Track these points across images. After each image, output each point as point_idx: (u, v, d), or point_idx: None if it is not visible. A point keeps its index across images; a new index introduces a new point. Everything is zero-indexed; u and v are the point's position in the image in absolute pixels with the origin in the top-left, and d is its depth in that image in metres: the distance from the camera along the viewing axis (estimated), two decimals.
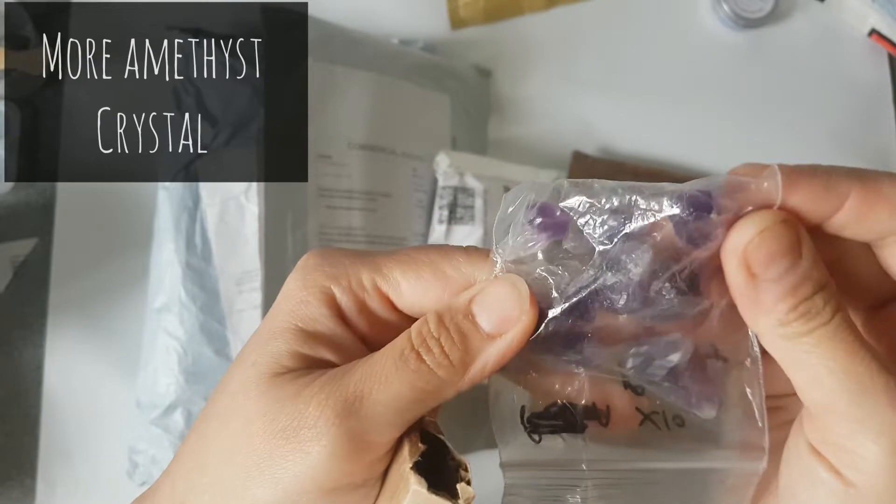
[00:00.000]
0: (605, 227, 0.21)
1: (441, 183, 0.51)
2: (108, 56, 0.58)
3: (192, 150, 0.50)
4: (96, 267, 0.55)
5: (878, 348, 0.19)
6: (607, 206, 0.21)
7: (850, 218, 0.19)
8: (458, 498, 0.21)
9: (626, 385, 0.22)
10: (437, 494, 0.20)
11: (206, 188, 0.49)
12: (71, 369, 0.54)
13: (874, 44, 0.62)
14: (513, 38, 0.61)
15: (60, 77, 0.58)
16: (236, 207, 0.49)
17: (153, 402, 0.48)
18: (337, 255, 0.24)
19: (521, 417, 0.23)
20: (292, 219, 0.47)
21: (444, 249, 0.22)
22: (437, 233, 0.51)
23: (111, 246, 0.55)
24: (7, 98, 0.57)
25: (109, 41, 0.58)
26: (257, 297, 0.47)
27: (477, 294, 0.21)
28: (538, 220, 0.21)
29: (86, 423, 0.53)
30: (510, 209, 0.21)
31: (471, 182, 0.51)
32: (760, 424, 0.21)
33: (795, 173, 0.19)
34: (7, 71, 0.56)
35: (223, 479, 0.20)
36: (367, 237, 0.49)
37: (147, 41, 0.57)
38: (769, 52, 0.60)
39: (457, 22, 0.59)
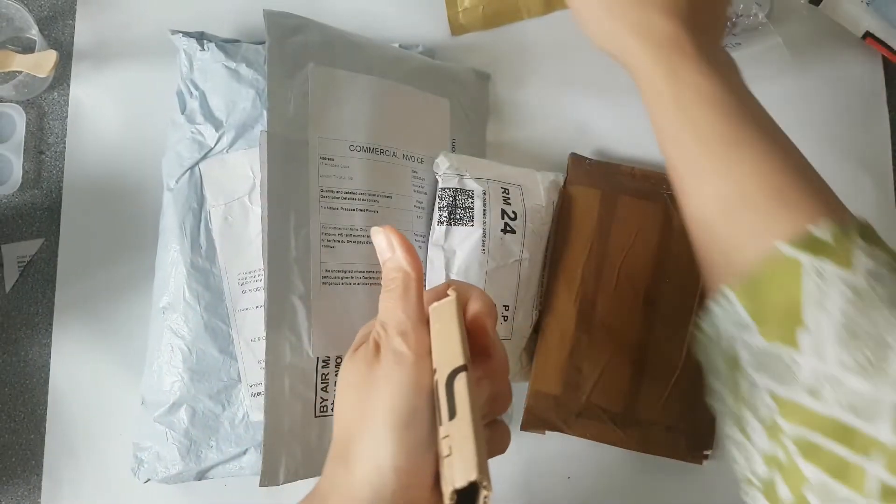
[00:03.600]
0: None
1: (441, 184, 0.52)
2: (113, 59, 0.59)
3: (196, 153, 0.50)
4: (102, 267, 0.55)
5: None
6: None
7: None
8: None
9: None
10: None
11: (210, 190, 0.50)
12: (76, 368, 0.54)
13: (869, 47, 0.62)
14: (511, 42, 0.61)
15: (66, 80, 0.58)
16: (240, 208, 0.50)
17: (158, 399, 0.49)
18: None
19: None
20: (295, 220, 0.47)
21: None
22: (437, 233, 0.51)
23: (117, 246, 0.56)
24: (13, 100, 0.58)
25: (114, 44, 0.59)
26: (261, 296, 0.48)
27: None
28: None
29: (91, 421, 0.54)
30: None
31: (470, 184, 0.51)
32: None
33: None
34: (13, 73, 0.56)
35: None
36: (368, 238, 0.50)
37: (152, 44, 0.58)
38: (764, 55, 0.61)
39: (457, 28, 0.59)
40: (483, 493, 0.28)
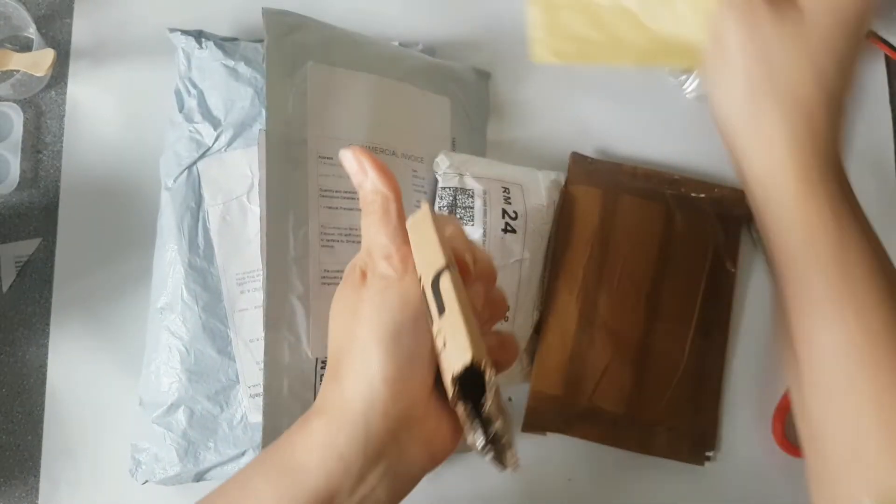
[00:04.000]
0: None
1: (441, 184, 0.52)
2: (111, 58, 0.58)
3: (194, 152, 0.50)
4: (99, 267, 0.55)
5: None
6: None
7: None
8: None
9: None
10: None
11: (208, 189, 0.50)
12: (74, 368, 0.54)
13: (870, 45, 0.62)
14: (511, 41, 0.61)
15: (63, 78, 0.58)
16: (238, 208, 0.49)
17: (156, 400, 0.48)
18: None
19: None
20: (294, 219, 0.47)
21: None
22: None
23: (114, 246, 0.55)
24: (11, 99, 0.57)
25: (112, 43, 0.59)
26: (259, 296, 0.48)
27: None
28: None
29: (89, 422, 0.54)
30: None
31: (470, 183, 0.51)
32: None
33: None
34: (10, 72, 0.56)
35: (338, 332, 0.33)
36: None
37: (149, 43, 0.58)
38: None
39: (540, 56, 0.57)
40: (487, 372, 0.27)
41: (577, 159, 0.55)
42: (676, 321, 0.50)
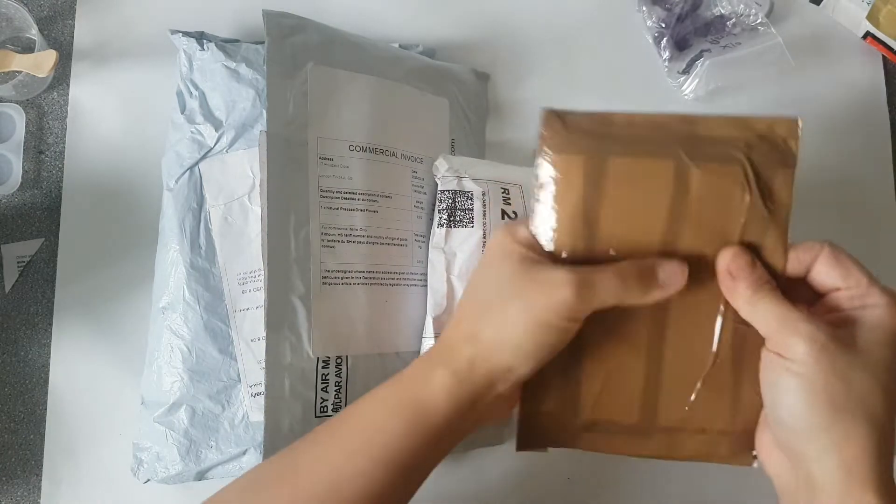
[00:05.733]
0: None
1: (440, 187, 0.52)
2: (113, 59, 0.58)
3: (196, 152, 0.50)
4: (101, 267, 0.55)
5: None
6: None
7: (820, 273, 0.36)
8: None
9: None
10: None
11: (210, 190, 0.50)
12: (76, 368, 0.54)
13: (869, 46, 0.62)
14: (510, 43, 0.61)
15: (65, 79, 0.58)
16: (240, 208, 0.50)
17: (158, 399, 0.49)
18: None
19: None
20: (295, 220, 0.47)
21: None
22: (438, 235, 0.51)
23: (116, 246, 0.56)
24: (13, 100, 0.58)
25: (114, 44, 0.59)
26: (260, 296, 0.48)
27: (663, 263, 0.37)
28: None
29: (91, 421, 0.54)
30: None
31: (469, 185, 0.51)
32: None
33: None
34: (13, 73, 0.56)
35: (493, 307, 0.36)
36: (368, 238, 0.50)
37: (151, 44, 0.58)
38: (764, 55, 0.61)
39: (874, 22, 0.60)
40: None
41: (551, 119, 0.41)
42: (696, 310, 0.40)
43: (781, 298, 0.35)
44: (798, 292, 0.36)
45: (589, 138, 0.41)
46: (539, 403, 0.41)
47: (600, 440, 0.42)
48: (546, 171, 0.40)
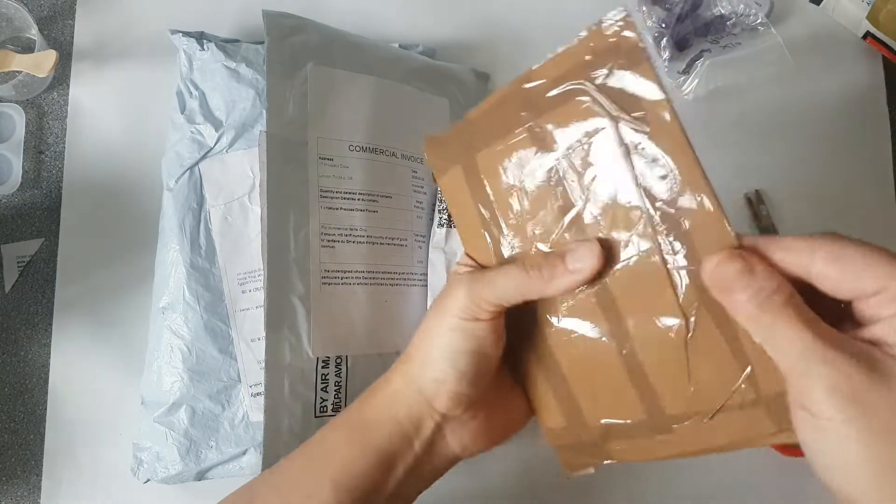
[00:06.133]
0: None
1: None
2: (113, 59, 0.59)
3: (196, 152, 0.50)
4: (101, 267, 0.55)
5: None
6: None
7: (824, 278, 0.27)
8: None
9: None
10: None
11: (210, 189, 0.50)
12: (76, 368, 0.54)
13: (869, 46, 0.62)
14: (510, 42, 0.61)
15: (65, 79, 0.58)
16: (240, 208, 0.50)
17: (158, 399, 0.49)
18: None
19: None
20: (294, 220, 0.47)
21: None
22: (438, 236, 0.51)
23: (116, 246, 0.56)
24: (13, 100, 0.58)
25: (114, 44, 0.59)
26: (260, 296, 0.48)
27: (570, 248, 0.33)
28: None
29: (91, 421, 0.54)
30: None
31: None
32: None
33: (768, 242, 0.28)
34: (13, 73, 0.56)
35: (426, 326, 0.37)
36: (368, 238, 0.50)
37: (151, 44, 0.58)
38: (764, 55, 0.61)
39: (874, 22, 0.60)
40: None
41: (429, 144, 0.40)
42: (639, 277, 0.34)
43: (800, 317, 0.26)
44: (823, 303, 0.27)
45: (459, 147, 0.38)
46: (551, 423, 0.39)
47: (626, 447, 0.37)
48: (444, 193, 0.40)
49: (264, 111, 0.48)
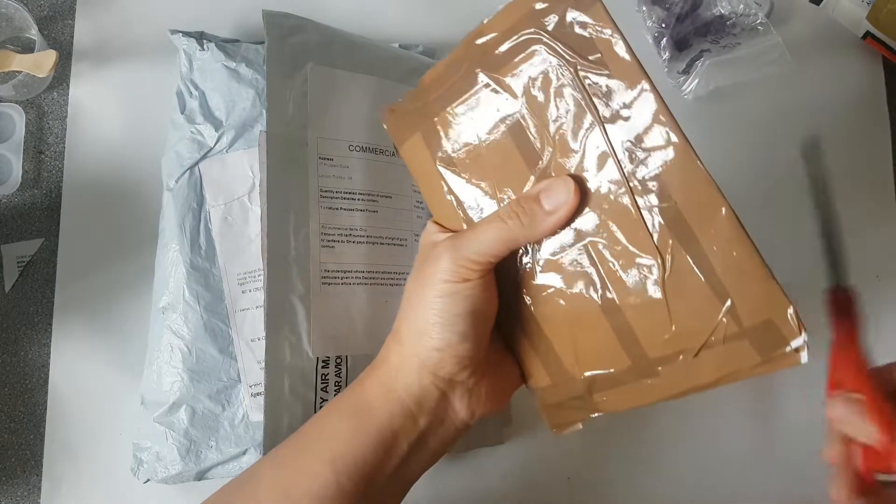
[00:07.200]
0: None
1: None
2: (113, 59, 0.59)
3: (196, 152, 0.50)
4: (101, 267, 0.55)
5: None
6: None
7: None
8: None
9: None
10: None
11: (210, 189, 0.50)
12: (76, 368, 0.54)
13: (869, 46, 0.62)
14: None
15: (65, 79, 0.58)
16: (240, 208, 0.50)
17: (158, 399, 0.49)
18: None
19: None
20: (294, 220, 0.47)
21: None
22: None
23: (116, 246, 0.56)
24: (13, 100, 0.58)
25: (114, 44, 0.59)
26: (260, 296, 0.48)
27: (543, 186, 0.34)
28: None
29: (91, 421, 0.54)
30: None
31: None
32: None
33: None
34: (13, 73, 0.56)
35: (410, 301, 0.37)
36: (368, 238, 0.50)
37: (151, 44, 0.58)
38: (764, 55, 0.61)
39: (874, 22, 0.60)
40: None
41: (386, 116, 0.41)
42: (609, 216, 0.34)
43: None
44: None
45: (416, 114, 0.39)
46: (536, 381, 0.39)
47: (612, 397, 0.36)
48: (407, 164, 0.39)
49: (264, 111, 0.48)
